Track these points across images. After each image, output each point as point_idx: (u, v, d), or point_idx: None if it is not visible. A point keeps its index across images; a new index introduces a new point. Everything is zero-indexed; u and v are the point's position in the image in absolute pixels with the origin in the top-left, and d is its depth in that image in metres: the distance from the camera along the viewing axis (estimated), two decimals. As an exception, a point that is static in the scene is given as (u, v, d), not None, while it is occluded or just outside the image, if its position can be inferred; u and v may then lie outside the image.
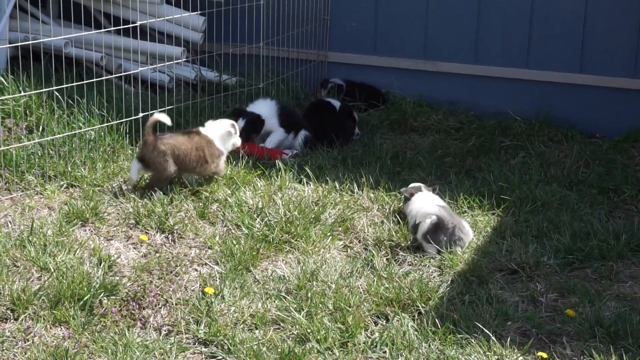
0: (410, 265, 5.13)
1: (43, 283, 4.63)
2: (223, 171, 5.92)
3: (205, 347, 4.30)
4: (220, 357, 4.24)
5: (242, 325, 4.44)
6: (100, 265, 4.87)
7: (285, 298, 4.68)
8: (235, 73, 7.90)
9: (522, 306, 4.71)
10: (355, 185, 6.03)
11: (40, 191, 5.74)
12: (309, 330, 4.37)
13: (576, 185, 6.34)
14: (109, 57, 7.54)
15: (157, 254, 5.08)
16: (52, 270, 4.76)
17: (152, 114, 5.80)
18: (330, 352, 4.26)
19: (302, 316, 4.49)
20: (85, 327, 4.35)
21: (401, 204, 5.72)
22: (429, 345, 4.32)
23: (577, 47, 7.65)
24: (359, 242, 5.40)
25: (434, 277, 5.00)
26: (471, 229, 5.46)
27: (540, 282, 5.00)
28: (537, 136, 7.33)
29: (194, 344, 4.34)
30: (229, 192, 5.78)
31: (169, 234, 5.31)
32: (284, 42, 7.90)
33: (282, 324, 4.47)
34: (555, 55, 7.72)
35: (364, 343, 4.33)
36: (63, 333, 4.30)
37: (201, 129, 5.96)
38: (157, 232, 5.33)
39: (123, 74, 7.04)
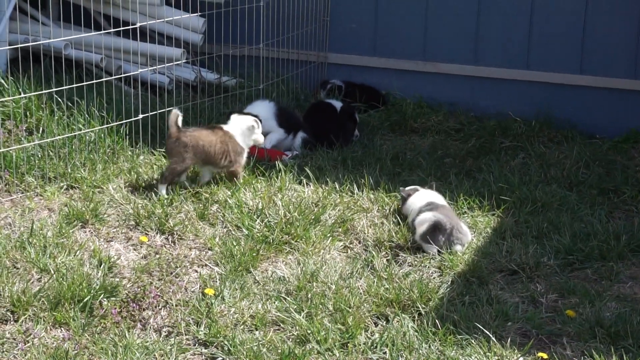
0: (410, 266, 5.13)
1: (43, 284, 4.63)
2: (241, 172, 5.98)
3: (206, 348, 4.30)
4: (220, 358, 4.24)
5: (242, 326, 4.44)
6: (100, 266, 4.87)
7: (285, 299, 4.67)
8: (235, 74, 7.90)
9: (522, 307, 4.71)
10: (355, 186, 6.03)
11: (40, 193, 5.74)
12: (309, 331, 4.36)
13: (576, 186, 6.33)
14: (109, 59, 7.54)
15: (157, 255, 5.08)
16: (52, 271, 4.76)
17: (170, 111, 5.87)
18: (330, 353, 4.26)
19: (302, 317, 4.49)
20: (86, 328, 4.35)
21: (400, 204, 5.73)
22: (429, 346, 4.32)
23: (577, 47, 7.65)
24: (359, 243, 5.40)
25: (434, 277, 5.00)
26: (470, 229, 5.46)
27: (541, 283, 5.00)
28: (537, 137, 7.33)
29: (194, 345, 4.33)
30: (229, 193, 5.78)
31: (169, 235, 5.31)
32: (284, 44, 7.90)
33: (282, 325, 4.47)
34: (555, 56, 7.72)
35: (364, 344, 4.33)
36: (63, 334, 4.30)
37: (224, 125, 6.06)
38: (157, 233, 5.33)
39: (123, 75, 7.03)
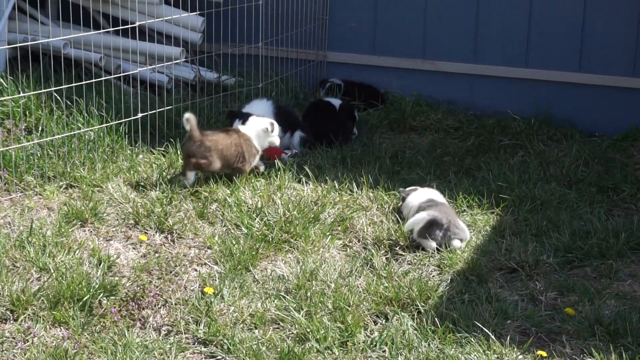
0: (409, 264, 5.13)
1: (42, 284, 4.63)
2: (247, 172, 6.05)
3: (205, 347, 4.30)
4: (219, 357, 4.24)
5: (241, 325, 4.44)
6: (99, 265, 4.87)
7: (284, 297, 4.68)
8: (234, 73, 7.90)
9: (521, 305, 4.71)
10: (354, 184, 6.03)
11: (40, 192, 5.74)
12: (308, 330, 4.37)
13: (575, 184, 6.33)
14: (108, 58, 7.54)
15: (157, 254, 5.08)
16: (52, 270, 4.76)
17: (190, 112, 5.91)
18: (329, 351, 4.26)
19: (302, 316, 4.49)
20: (85, 327, 4.35)
21: (400, 203, 5.73)
22: (429, 344, 4.32)
23: (576, 45, 7.65)
24: (358, 241, 5.40)
25: (433, 276, 5.00)
26: (470, 228, 5.46)
27: (540, 281, 5.00)
28: (536, 135, 7.33)
29: (194, 343, 4.34)
30: (228, 192, 5.78)
31: (168, 234, 5.31)
32: (283, 42, 7.90)
33: (281, 324, 4.47)
34: (555, 54, 7.71)
35: (363, 342, 4.33)
36: (62, 333, 4.31)
37: (240, 127, 6.15)
38: (156, 232, 5.33)
39: (122, 74, 7.04)
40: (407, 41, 8.11)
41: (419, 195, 5.59)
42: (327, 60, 8.35)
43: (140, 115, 6.34)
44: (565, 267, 5.16)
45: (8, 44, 6.96)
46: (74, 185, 5.88)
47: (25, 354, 4.14)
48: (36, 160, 5.94)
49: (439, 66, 8.05)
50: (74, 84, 6.27)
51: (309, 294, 4.69)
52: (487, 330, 4.39)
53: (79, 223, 5.36)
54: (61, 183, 5.87)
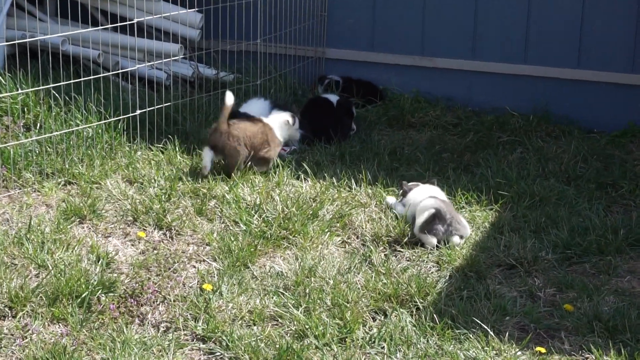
0: (408, 260, 5.13)
1: (41, 280, 4.63)
2: (273, 160, 6.22)
3: (204, 344, 4.30)
4: (218, 353, 4.24)
5: (240, 322, 4.44)
6: (98, 262, 4.87)
7: (283, 294, 4.68)
8: (232, 70, 7.89)
9: (520, 301, 4.71)
10: (353, 181, 6.03)
11: (38, 188, 5.74)
12: (307, 326, 4.36)
13: (574, 181, 6.34)
14: (106, 55, 7.54)
15: (155, 251, 5.08)
16: (50, 267, 4.76)
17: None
18: (328, 347, 4.26)
19: (300, 312, 4.49)
20: (84, 324, 4.35)
21: (400, 198, 5.73)
22: (427, 341, 4.32)
23: (574, 42, 7.65)
24: (357, 238, 5.40)
25: (432, 272, 5.00)
26: (469, 224, 5.46)
27: (539, 277, 5.00)
28: (534, 131, 7.33)
29: (192, 340, 4.33)
30: (227, 188, 5.78)
31: (166, 231, 5.31)
32: (281, 39, 7.89)
33: (280, 320, 4.47)
34: (553, 51, 7.71)
35: (362, 339, 4.33)
36: (61, 330, 4.30)
37: (263, 118, 6.36)
38: (155, 228, 5.33)
39: (120, 71, 7.03)
40: (406, 38, 8.10)
41: (420, 191, 5.58)
42: (326, 57, 8.35)
43: (138, 112, 6.34)
44: (564, 264, 5.16)
45: (6, 41, 6.95)
46: (72, 182, 5.87)
47: (23, 351, 4.14)
48: (34, 157, 5.93)
49: (437, 63, 8.05)
50: (72, 81, 6.27)
51: (307, 290, 4.69)
52: (485, 327, 4.39)
53: (78, 220, 5.36)
54: (59, 180, 5.86)
